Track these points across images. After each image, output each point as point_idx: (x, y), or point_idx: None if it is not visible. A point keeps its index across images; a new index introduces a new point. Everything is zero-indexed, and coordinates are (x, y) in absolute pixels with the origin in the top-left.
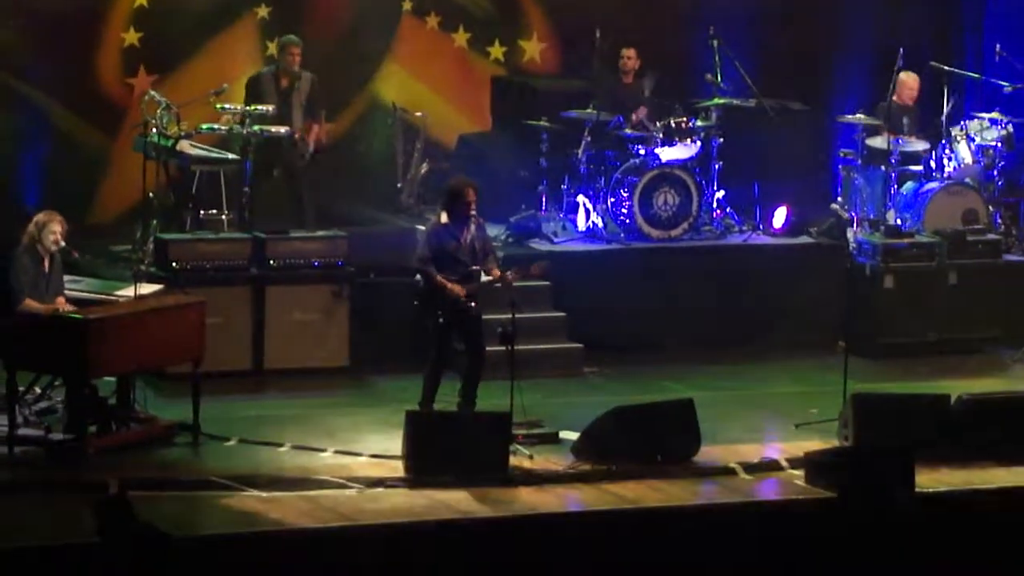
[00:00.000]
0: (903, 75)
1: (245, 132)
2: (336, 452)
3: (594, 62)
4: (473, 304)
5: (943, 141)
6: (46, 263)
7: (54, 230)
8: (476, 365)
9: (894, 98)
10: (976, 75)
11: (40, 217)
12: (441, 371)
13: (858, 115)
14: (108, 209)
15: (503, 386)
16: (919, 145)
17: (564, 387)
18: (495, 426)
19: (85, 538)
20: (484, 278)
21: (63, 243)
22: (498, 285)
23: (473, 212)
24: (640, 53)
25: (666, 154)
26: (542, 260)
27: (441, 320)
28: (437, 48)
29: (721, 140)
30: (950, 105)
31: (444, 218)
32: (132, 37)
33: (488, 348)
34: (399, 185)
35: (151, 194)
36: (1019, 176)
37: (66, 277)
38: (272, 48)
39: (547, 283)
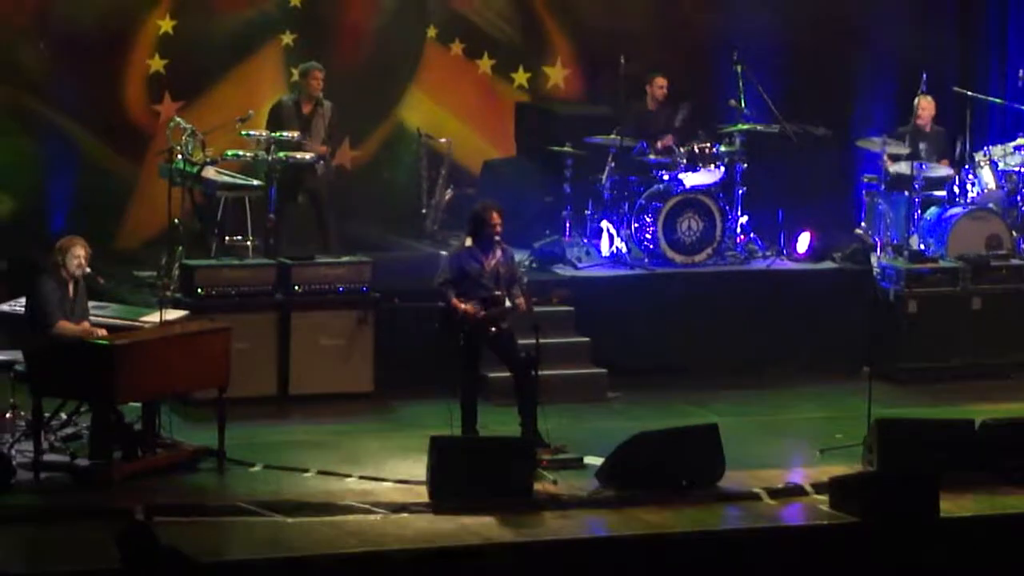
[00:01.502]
0: (916, 99)
1: (270, 159)
2: (361, 477)
3: (618, 88)
4: (494, 329)
5: (966, 166)
6: (71, 288)
7: (77, 254)
8: (524, 383)
9: (912, 122)
10: (999, 100)
11: (63, 242)
12: (472, 395)
13: (881, 139)
14: (134, 235)
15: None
16: (942, 171)
17: (588, 412)
18: (519, 451)
19: (111, 564)
20: (508, 304)
21: (87, 268)
22: (518, 312)
23: (498, 237)
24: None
25: (690, 179)
26: (563, 287)
27: (461, 342)
28: (461, 74)
29: (745, 165)
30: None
31: (469, 242)
32: (157, 64)
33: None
34: (423, 211)
35: (176, 220)
36: None
37: (91, 303)
38: (297, 75)
39: (571, 308)
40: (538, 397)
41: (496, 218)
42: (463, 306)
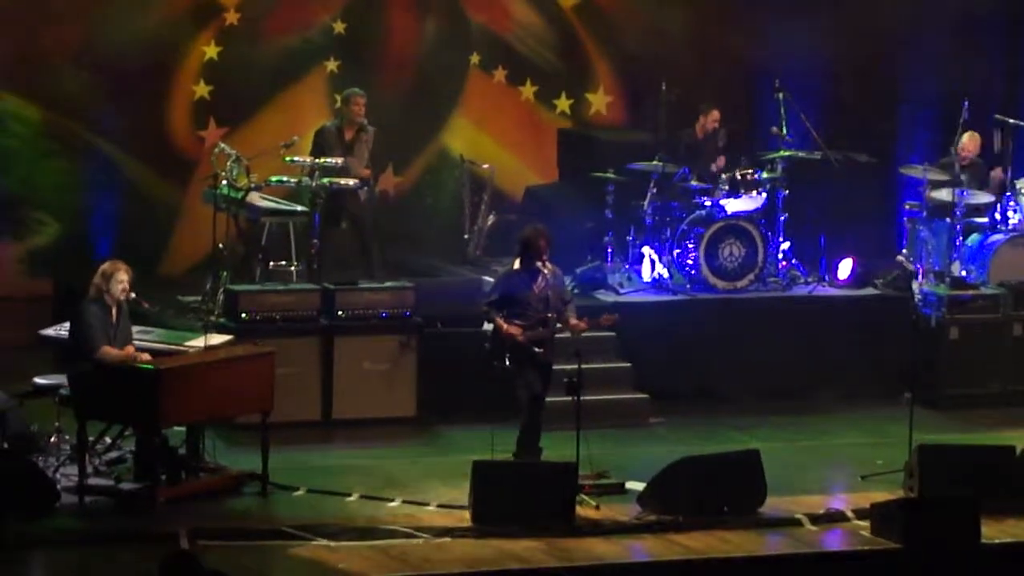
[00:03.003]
0: (964, 135)
1: (314, 184)
2: (404, 502)
3: (660, 115)
4: (540, 350)
5: (1008, 193)
6: (114, 313)
7: (121, 279)
8: (534, 416)
9: (955, 152)
10: None
11: (106, 267)
12: (536, 412)
13: (923, 167)
14: (178, 260)
15: (569, 436)
16: (984, 197)
17: (630, 437)
18: (561, 476)
19: None
20: (556, 326)
21: (132, 292)
22: (567, 334)
23: (545, 260)
24: (695, 107)
25: (732, 206)
26: (611, 312)
27: (508, 363)
28: (504, 101)
29: (787, 192)
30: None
31: (517, 264)
32: (203, 90)
33: (554, 398)
34: (466, 236)
35: (221, 245)
36: None
37: (136, 328)
38: (339, 101)
39: (613, 333)
40: (581, 422)
41: (544, 244)
42: (506, 327)
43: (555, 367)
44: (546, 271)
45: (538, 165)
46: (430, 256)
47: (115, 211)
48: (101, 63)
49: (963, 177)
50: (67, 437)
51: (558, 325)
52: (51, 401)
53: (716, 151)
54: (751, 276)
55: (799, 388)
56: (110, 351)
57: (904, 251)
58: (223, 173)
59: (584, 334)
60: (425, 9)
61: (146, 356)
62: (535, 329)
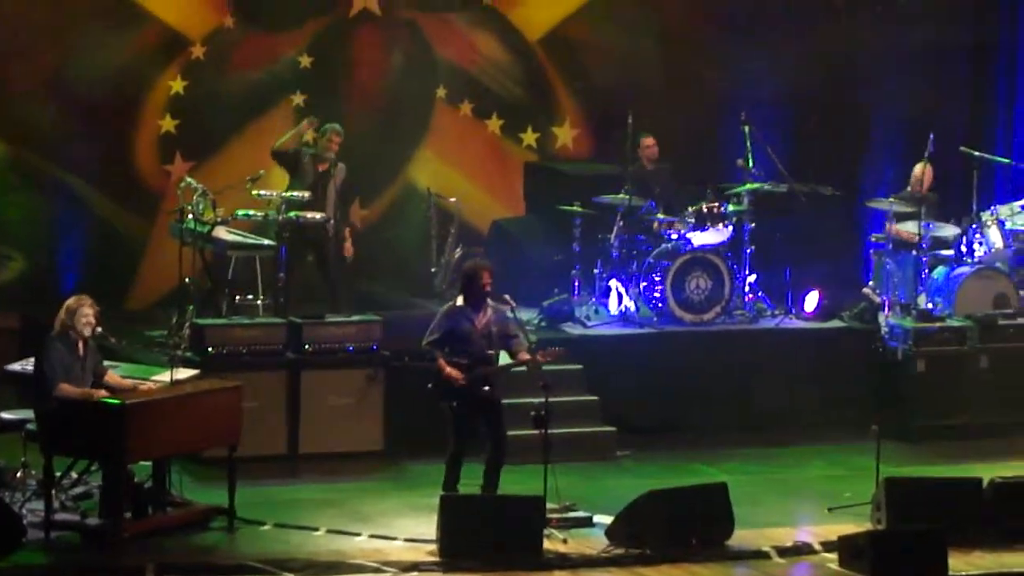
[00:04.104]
0: (916, 167)
1: (280, 218)
2: (371, 536)
3: (626, 148)
4: (487, 388)
5: (973, 226)
6: (80, 347)
7: (86, 314)
8: (497, 452)
9: (908, 188)
10: (1007, 160)
11: (70, 302)
12: (460, 458)
13: (888, 200)
14: (145, 294)
15: (537, 469)
16: (950, 230)
17: (597, 470)
18: (529, 510)
19: None
20: (503, 362)
21: (97, 327)
22: (522, 368)
23: (488, 295)
24: (659, 140)
25: (698, 239)
26: (556, 347)
27: (454, 404)
28: (470, 134)
29: (753, 225)
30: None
31: (460, 300)
32: (169, 124)
33: (521, 431)
34: (433, 270)
35: (187, 280)
36: None
37: (105, 362)
38: (309, 135)
39: (579, 366)
40: (548, 456)
41: (487, 278)
42: (448, 369)
43: (523, 400)
44: (488, 307)
45: (505, 198)
46: (397, 289)
47: (82, 245)
48: (68, 97)
49: (923, 209)
50: (33, 472)
51: (508, 361)
52: (17, 436)
53: (665, 184)
54: (717, 309)
55: (766, 421)
56: (67, 388)
57: (870, 284)
58: (189, 207)
59: (546, 367)
60: (391, 43)
61: (103, 392)
62: (477, 368)
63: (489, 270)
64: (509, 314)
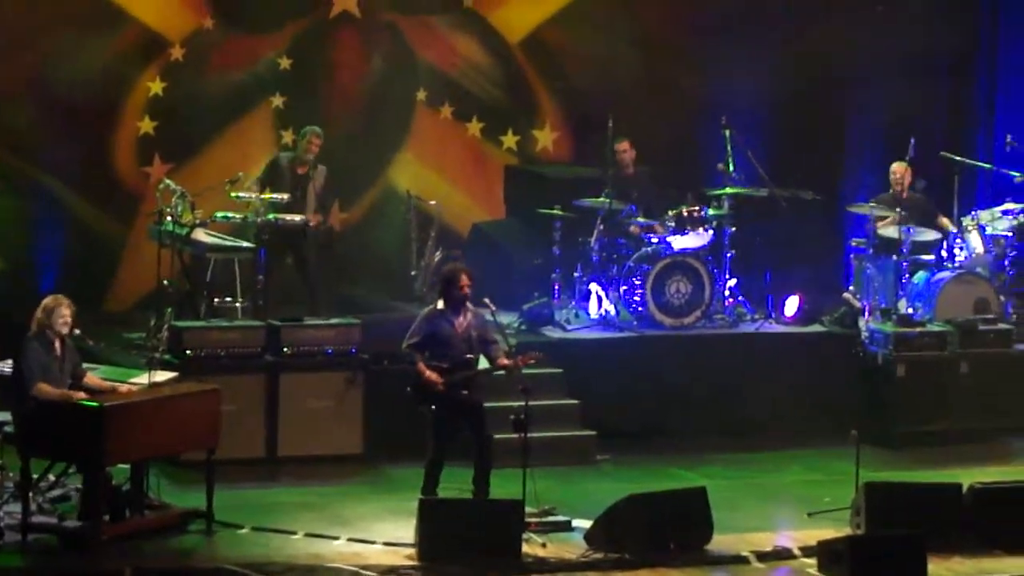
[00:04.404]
0: (893, 165)
1: (259, 221)
2: (349, 540)
3: (605, 151)
4: (466, 392)
5: (954, 231)
6: (57, 347)
7: (63, 314)
8: (483, 455)
9: (891, 190)
10: (988, 165)
11: (47, 302)
12: (439, 461)
13: (869, 204)
14: (123, 297)
15: (516, 473)
16: (930, 235)
17: (577, 474)
18: (508, 514)
19: None
20: (483, 367)
21: (75, 327)
22: (501, 373)
23: (467, 298)
24: (634, 144)
25: (678, 243)
26: (535, 351)
27: (433, 407)
28: (451, 137)
29: (733, 229)
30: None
31: (440, 304)
32: (147, 126)
33: (501, 435)
34: (413, 273)
35: (165, 282)
36: None
37: (83, 364)
38: (287, 137)
39: (559, 370)
40: (527, 459)
41: (466, 280)
42: (427, 373)
43: (503, 404)
44: (467, 310)
45: (485, 201)
46: (377, 292)
47: (60, 247)
48: (47, 99)
49: (903, 213)
50: (10, 474)
51: (486, 366)
52: None
53: (643, 188)
54: (698, 313)
55: (746, 425)
56: (45, 388)
57: (851, 288)
58: (168, 209)
59: (525, 370)
60: (371, 45)
61: (81, 394)
62: (456, 371)
63: (468, 273)
64: (489, 317)
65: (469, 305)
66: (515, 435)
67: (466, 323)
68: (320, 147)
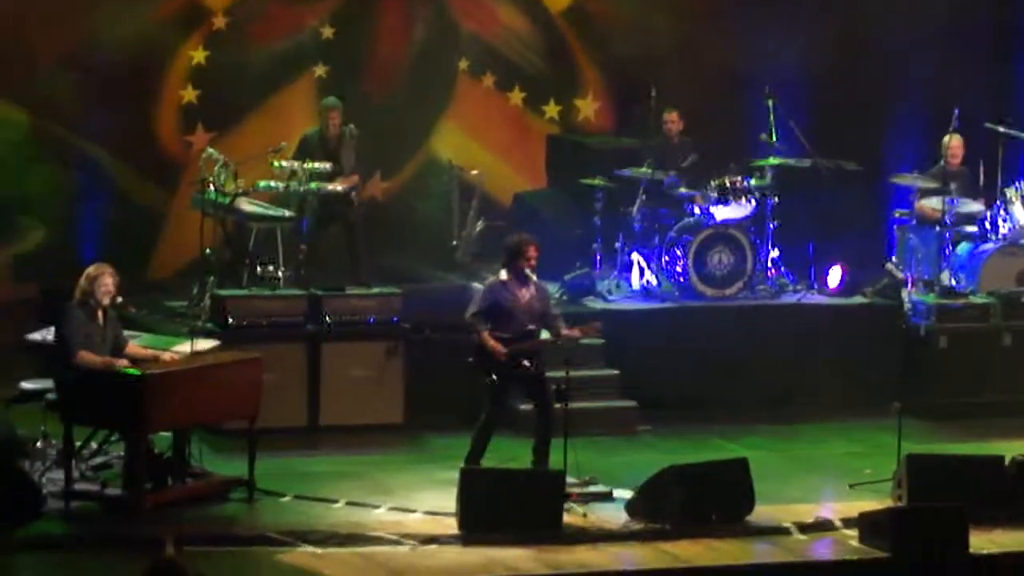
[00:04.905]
0: (947, 138)
1: (302, 189)
2: (390, 508)
3: (648, 121)
4: (528, 364)
5: (998, 202)
6: (100, 316)
7: (106, 283)
8: (545, 424)
9: (942, 162)
10: None
11: (91, 270)
12: (491, 430)
13: (912, 175)
14: (165, 265)
15: (557, 444)
16: (974, 206)
17: (618, 445)
18: (549, 484)
19: None
20: (544, 336)
21: (117, 296)
22: (559, 342)
23: (532, 269)
24: (682, 115)
25: (721, 213)
26: (596, 319)
27: (493, 378)
28: (493, 107)
29: (776, 199)
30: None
31: (504, 275)
32: (190, 94)
33: None
34: (454, 243)
35: (208, 251)
36: None
37: (125, 332)
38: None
39: (601, 341)
40: (568, 430)
41: (533, 251)
42: (490, 343)
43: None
44: (531, 281)
45: (527, 171)
46: (418, 262)
47: (102, 216)
48: (89, 67)
49: (952, 185)
50: (53, 442)
51: (549, 336)
52: (37, 406)
53: (683, 157)
54: (740, 284)
55: (787, 397)
56: (87, 356)
57: (893, 259)
58: (211, 178)
59: (579, 342)
60: (414, 14)
61: (124, 362)
62: (521, 342)
63: (535, 245)
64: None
65: (533, 277)
66: (557, 405)
67: (529, 295)
68: (340, 116)
